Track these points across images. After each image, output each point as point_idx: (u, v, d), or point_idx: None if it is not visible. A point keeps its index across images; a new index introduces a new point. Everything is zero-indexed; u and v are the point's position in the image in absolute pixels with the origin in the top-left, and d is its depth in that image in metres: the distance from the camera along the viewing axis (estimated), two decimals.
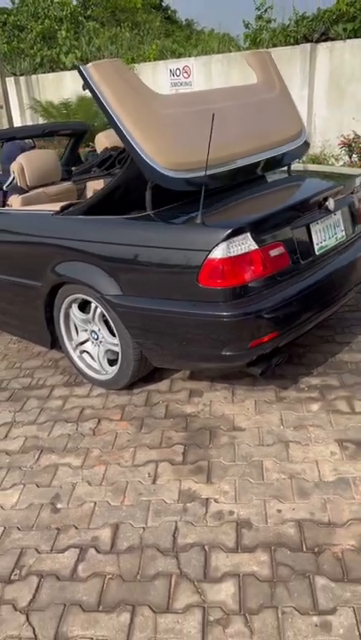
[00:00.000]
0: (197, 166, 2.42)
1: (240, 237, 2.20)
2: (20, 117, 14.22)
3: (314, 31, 8.09)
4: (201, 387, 2.80)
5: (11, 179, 3.25)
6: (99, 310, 2.69)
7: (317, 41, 8.20)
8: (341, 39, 8.03)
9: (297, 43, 8.53)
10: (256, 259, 2.25)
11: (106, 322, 2.75)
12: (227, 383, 2.80)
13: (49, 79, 13.46)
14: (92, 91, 2.32)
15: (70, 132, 4.33)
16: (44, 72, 13.80)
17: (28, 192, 3.27)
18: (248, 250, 2.22)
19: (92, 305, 2.71)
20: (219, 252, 2.17)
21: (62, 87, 12.85)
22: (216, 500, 2.04)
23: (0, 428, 2.66)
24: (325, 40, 8.17)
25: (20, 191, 3.25)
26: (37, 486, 2.22)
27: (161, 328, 2.41)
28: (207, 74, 9.89)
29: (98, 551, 1.87)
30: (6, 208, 3.14)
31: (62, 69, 13.34)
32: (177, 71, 10.46)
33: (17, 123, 13.77)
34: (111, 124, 2.33)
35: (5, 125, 13.37)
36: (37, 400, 2.86)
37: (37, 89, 13.79)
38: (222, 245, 2.17)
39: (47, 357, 3.33)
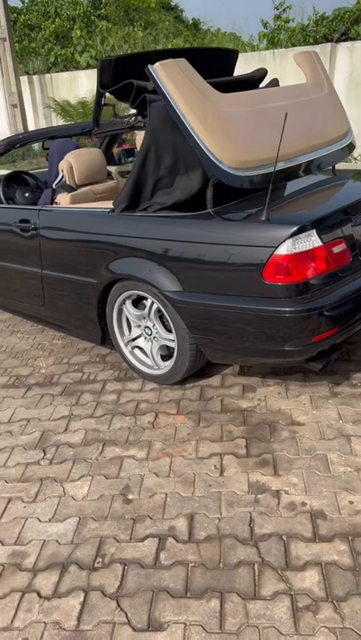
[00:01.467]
0: (260, 164, 2.46)
1: (305, 234, 2.24)
2: (34, 116, 14.29)
3: (334, 31, 8.11)
4: (253, 382, 2.85)
5: (60, 177, 3.29)
6: (155, 306, 2.73)
7: (337, 41, 8.23)
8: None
9: (316, 42, 8.56)
10: (320, 255, 2.29)
11: (160, 318, 2.79)
12: (278, 379, 2.85)
13: (63, 78, 13.52)
14: (158, 89, 2.37)
15: (107, 132, 4.36)
16: (58, 71, 13.87)
17: (76, 190, 3.31)
18: (313, 246, 2.26)
19: (148, 301, 2.76)
20: (284, 249, 2.22)
21: (77, 86, 12.92)
22: (287, 492, 2.08)
23: (59, 421, 2.70)
24: (345, 40, 8.19)
25: (69, 189, 3.29)
26: (106, 478, 2.27)
27: (223, 324, 2.45)
28: None
29: (177, 540, 1.91)
30: (58, 206, 3.18)
31: (76, 68, 13.41)
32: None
33: (30, 122, 13.84)
34: (177, 122, 2.37)
35: (20, 125, 13.44)
36: (92, 394, 2.91)
37: (51, 88, 13.85)
38: (288, 242, 2.21)
39: (94, 353, 3.37)
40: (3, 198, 3.78)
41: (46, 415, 2.77)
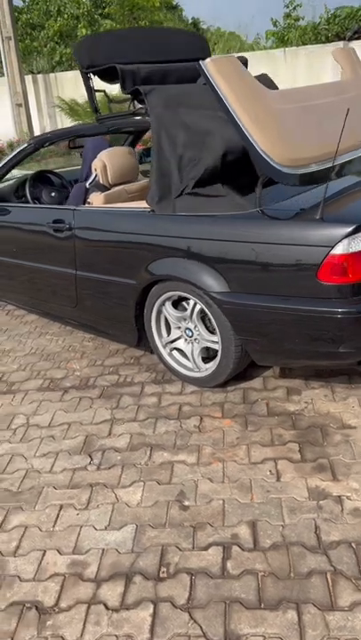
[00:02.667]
0: (309, 162, 2.41)
1: None
2: (38, 116, 14.22)
3: (347, 29, 8.08)
4: (296, 385, 2.80)
5: (93, 176, 3.24)
6: (198, 307, 2.68)
7: (350, 39, 8.19)
8: None
9: (328, 41, 8.52)
10: None
11: (202, 319, 2.74)
12: (322, 381, 2.80)
13: (68, 77, 13.46)
14: (210, 85, 2.31)
15: (131, 130, 4.32)
16: (63, 70, 13.80)
17: (109, 189, 3.25)
18: None
19: (191, 302, 2.70)
20: (341, 248, 2.17)
21: (82, 85, 12.83)
22: (349, 498, 2.03)
23: (101, 425, 2.65)
24: (358, 38, 8.16)
25: (102, 189, 3.24)
26: (158, 483, 2.21)
27: (273, 325, 2.40)
28: None
29: (242, 549, 1.86)
30: (95, 206, 3.12)
31: None
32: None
33: (34, 121, 13.77)
34: (229, 119, 2.32)
35: (24, 124, 13.37)
36: (131, 397, 2.85)
37: (56, 87, 13.79)
38: (345, 241, 2.16)
39: (127, 355, 3.32)
40: (29, 198, 3.73)
41: (87, 419, 2.71)
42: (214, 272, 2.49)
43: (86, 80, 3.01)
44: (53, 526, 2.06)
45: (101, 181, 3.24)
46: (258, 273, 2.38)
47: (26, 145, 3.49)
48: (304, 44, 9.00)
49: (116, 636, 1.61)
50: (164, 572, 1.81)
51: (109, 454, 2.43)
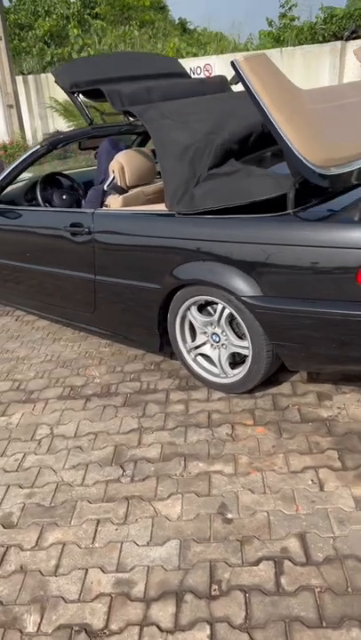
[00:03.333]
0: (343, 162, 2.35)
1: None
2: (29, 117, 14.06)
3: (344, 29, 8.07)
4: (326, 390, 2.74)
5: (111, 178, 3.15)
6: (226, 312, 2.61)
7: (347, 39, 8.19)
8: None
9: (325, 41, 8.51)
10: None
11: (230, 324, 2.68)
12: (353, 385, 2.75)
13: None
14: (244, 84, 2.25)
15: (141, 131, 4.24)
16: None
17: (127, 192, 3.17)
18: None
19: (219, 307, 2.64)
20: None
21: None
22: None
23: (129, 434, 2.58)
24: (355, 38, 8.16)
25: (120, 191, 3.16)
26: (197, 495, 2.14)
27: (309, 330, 2.34)
28: (230, 72, 9.79)
29: (294, 563, 1.80)
30: (116, 209, 3.03)
31: None
32: (197, 69, 10.40)
33: (26, 122, 13.61)
34: (263, 118, 2.25)
35: (16, 125, 13.21)
36: (157, 405, 2.78)
37: (47, 88, 13.63)
38: None
39: (146, 361, 3.24)
40: (41, 201, 3.64)
41: (114, 428, 2.64)
42: (246, 276, 2.43)
43: (74, 99, 3.24)
44: (92, 543, 1.98)
45: (119, 183, 3.16)
46: (293, 276, 2.32)
47: (39, 146, 3.40)
48: (300, 43, 8.98)
49: None
50: (215, 590, 1.74)
51: (142, 465, 2.36)
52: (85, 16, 15.66)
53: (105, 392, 2.96)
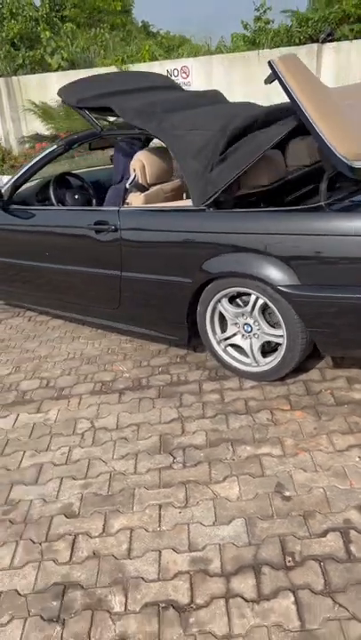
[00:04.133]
0: None
1: None
2: (1, 119, 13.88)
3: (320, 32, 8.32)
4: (354, 374, 2.87)
5: (132, 177, 3.21)
6: (260, 302, 2.71)
7: (323, 41, 8.43)
8: (348, 39, 8.30)
9: (301, 43, 8.74)
10: None
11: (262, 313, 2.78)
12: None
13: (31, 81, 13.18)
14: (280, 81, 2.36)
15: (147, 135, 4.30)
16: (26, 73, 13.52)
17: (147, 190, 3.24)
18: None
19: (252, 297, 2.73)
20: None
21: (47, 89, 12.59)
22: None
23: (171, 424, 2.64)
24: (331, 41, 8.41)
25: (142, 189, 3.22)
26: (252, 477, 2.23)
27: (346, 316, 2.46)
28: (207, 74, 9.96)
29: (359, 532, 1.91)
30: (142, 206, 3.09)
31: (46, 71, 13.11)
32: (175, 72, 10.50)
33: None
34: (298, 113, 2.37)
35: None
36: (192, 395, 2.85)
37: (19, 91, 13.49)
38: None
39: (171, 354, 3.31)
40: (54, 201, 3.67)
41: (154, 419, 2.70)
42: (281, 266, 2.53)
43: (82, 113, 3.28)
44: (159, 526, 2.04)
45: (140, 181, 3.22)
46: (328, 265, 2.44)
47: (56, 146, 3.43)
48: (276, 46, 9.19)
49: (265, 626, 1.62)
50: (290, 561, 1.83)
51: (191, 452, 2.43)
52: (54, 19, 15.56)
53: (137, 385, 3.02)
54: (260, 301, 2.71)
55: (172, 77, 10.60)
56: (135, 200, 3.19)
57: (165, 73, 10.80)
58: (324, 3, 11.42)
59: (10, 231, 3.62)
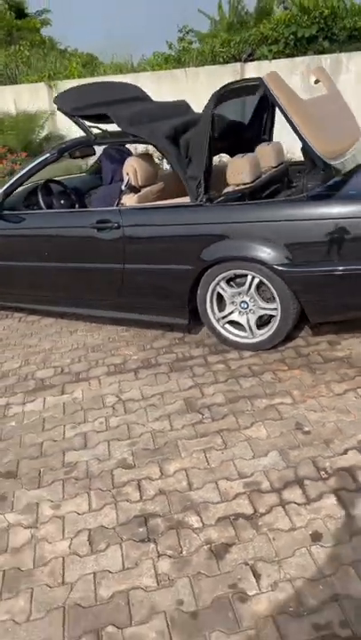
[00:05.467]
0: (338, 155, 3.05)
1: None
2: None
3: (242, 52, 9.08)
4: (333, 338, 3.40)
5: (127, 179, 3.57)
6: (256, 281, 3.17)
7: (245, 60, 9.21)
8: (267, 59, 9.12)
9: (226, 62, 9.47)
10: None
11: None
12: (352, 332, 3.43)
13: None
14: (270, 95, 2.86)
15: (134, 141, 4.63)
16: None
17: (139, 191, 3.62)
18: None
19: (248, 277, 3.18)
20: None
21: None
22: None
23: (191, 390, 3.02)
24: (252, 60, 9.20)
25: (135, 190, 3.60)
26: (274, 420, 2.67)
27: (333, 286, 2.97)
28: None
29: None
30: (139, 204, 3.46)
31: None
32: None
33: None
34: (288, 121, 2.87)
35: None
36: (201, 367, 3.25)
37: None
38: None
39: (170, 337, 3.69)
40: (43, 205, 3.95)
41: (174, 388, 3.07)
42: (276, 248, 3.01)
43: (76, 121, 3.61)
44: (208, 464, 2.42)
45: (133, 183, 3.60)
46: (315, 244, 2.94)
47: (48, 155, 3.72)
48: (202, 64, 9.87)
49: (320, 518, 2.06)
50: (324, 474, 2.28)
51: (215, 408, 2.83)
52: None
53: (147, 365, 3.37)
54: (256, 280, 3.17)
55: None
56: (129, 200, 3.56)
57: None
58: (225, 25, 12.43)
59: (7, 236, 3.85)
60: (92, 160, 5.27)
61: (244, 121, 3.92)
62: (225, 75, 9.44)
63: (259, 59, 9.34)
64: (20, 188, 4.07)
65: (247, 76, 9.35)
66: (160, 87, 10.37)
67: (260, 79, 2.90)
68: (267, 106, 3.80)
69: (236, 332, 3.38)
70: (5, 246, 3.90)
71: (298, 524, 2.04)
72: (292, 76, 8.99)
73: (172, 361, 3.38)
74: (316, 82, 3.28)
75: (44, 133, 10.80)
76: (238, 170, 3.29)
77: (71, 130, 11.63)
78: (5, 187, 3.82)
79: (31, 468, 2.54)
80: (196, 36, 12.05)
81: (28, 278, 3.94)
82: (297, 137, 2.90)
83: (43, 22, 16.79)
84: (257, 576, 1.85)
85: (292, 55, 9.05)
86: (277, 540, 1.99)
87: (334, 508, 2.10)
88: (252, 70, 9.30)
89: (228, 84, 3.38)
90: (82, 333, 3.93)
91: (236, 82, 3.63)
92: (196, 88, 9.81)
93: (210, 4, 19.56)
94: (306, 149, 2.90)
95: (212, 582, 1.85)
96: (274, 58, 9.07)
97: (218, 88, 3.26)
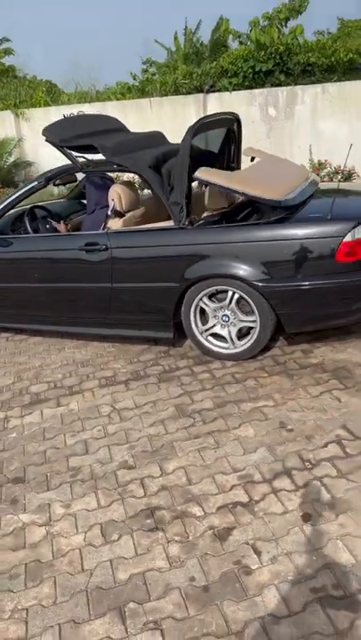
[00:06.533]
0: (289, 192, 3.42)
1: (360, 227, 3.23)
2: None
3: (204, 83, 9.58)
4: (306, 347, 3.72)
5: (112, 205, 3.83)
6: (236, 296, 3.46)
7: (207, 92, 9.72)
8: (227, 90, 9.65)
9: (188, 93, 9.96)
10: None
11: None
12: (323, 341, 3.76)
13: None
14: (210, 183, 3.28)
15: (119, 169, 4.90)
16: None
17: (124, 216, 3.88)
18: None
19: (229, 293, 3.47)
20: (349, 237, 3.17)
21: None
22: None
23: (180, 397, 3.26)
24: (213, 91, 9.72)
25: (119, 215, 3.86)
26: (259, 421, 2.94)
27: (307, 298, 3.29)
28: None
29: (348, 440, 2.69)
30: (125, 228, 3.72)
31: None
32: (71, 115, 11.19)
33: None
34: (233, 192, 3.30)
35: None
36: (188, 377, 3.50)
37: None
38: (351, 232, 3.17)
39: (155, 350, 3.93)
40: (30, 229, 4.17)
41: (165, 396, 3.30)
42: (253, 265, 3.32)
43: (64, 151, 3.85)
44: (204, 462, 2.66)
45: (117, 208, 3.86)
46: (292, 262, 3.26)
47: (36, 183, 3.96)
48: (165, 94, 10.33)
49: (308, 501, 2.32)
50: (308, 465, 2.55)
51: (205, 413, 3.07)
52: None
53: (136, 377, 3.59)
54: (236, 295, 3.46)
55: None
56: (114, 224, 3.82)
57: (62, 116, 11.46)
58: (182, 56, 13.03)
59: None
60: (68, 186, 5.53)
61: (214, 150, 4.27)
62: (188, 104, 9.94)
63: (219, 90, 9.87)
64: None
65: (209, 106, 9.88)
66: (126, 116, 10.75)
67: (231, 113, 3.24)
68: (233, 138, 4.18)
69: (218, 343, 3.66)
70: None
71: (290, 508, 2.30)
72: (251, 107, 9.56)
73: (159, 372, 3.61)
74: (253, 159, 4.04)
75: (11, 159, 11.00)
76: (214, 196, 3.62)
77: (38, 155, 11.88)
78: None
79: (38, 473, 2.72)
80: (154, 66, 12.59)
81: (19, 298, 4.11)
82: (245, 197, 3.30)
83: (6, 51, 17.05)
84: (258, 553, 2.09)
85: (250, 87, 9.61)
86: (273, 522, 2.23)
87: (320, 492, 2.36)
88: (214, 101, 9.82)
89: (202, 118, 3.73)
90: (70, 350, 4.12)
91: (209, 116, 3.98)
92: (160, 117, 10.27)
93: (167, 35, 20.38)
94: (256, 201, 3.28)
95: (219, 560, 2.08)
96: (234, 89, 9.61)
97: (193, 121, 3.61)
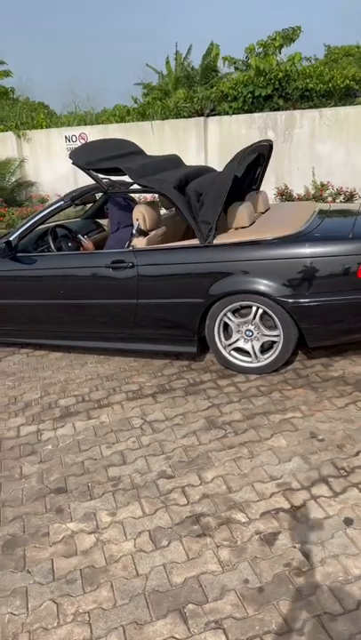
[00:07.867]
0: (301, 224, 3.59)
1: None
2: None
3: (205, 107, 9.85)
4: (326, 361, 3.85)
5: (137, 224, 3.96)
6: (260, 311, 3.59)
7: (208, 115, 9.98)
8: (228, 114, 9.93)
9: (189, 116, 10.22)
10: None
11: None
12: (341, 355, 3.89)
13: None
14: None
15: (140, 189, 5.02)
16: None
17: (148, 234, 4.01)
18: None
19: (253, 308, 3.60)
20: None
21: None
22: None
23: (208, 410, 3.35)
24: (214, 115, 9.98)
25: (143, 234, 3.98)
26: (290, 432, 3.04)
27: (329, 313, 3.42)
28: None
29: None
30: (150, 246, 3.84)
31: None
32: (73, 137, 11.42)
33: None
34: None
35: None
36: (214, 390, 3.60)
37: None
38: None
39: (177, 365, 4.03)
40: (54, 248, 4.28)
41: (193, 409, 3.39)
42: (278, 281, 3.45)
43: (89, 173, 4.00)
44: (241, 471, 2.75)
45: (142, 227, 3.99)
46: (315, 279, 3.40)
47: (62, 202, 4.08)
48: (166, 118, 10.59)
49: (348, 507, 2.42)
50: (343, 471, 2.66)
51: (236, 424, 3.17)
52: None
53: (163, 390, 3.69)
54: (260, 311, 3.59)
55: (71, 142, 11.51)
56: (139, 243, 3.95)
57: (64, 139, 11.70)
58: (173, 80, 13.38)
59: (23, 277, 4.13)
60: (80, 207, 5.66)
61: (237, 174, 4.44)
62: (189, 128, 10.20)
63: (220, 114, 10.15)
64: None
65: (210, 128, 10.13)
66: (128, 138, 10.96)
67: (267, 140, 3.41)
68: (262, 161, 4.35)
69: (241, 357, 3.77)
70: (20, 286, 4.17)
71: (331, 513, 2.39)
72: (251, 129, 9.84)
73: (185, 386, 3.71)
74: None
75: (14, 179, 11.15)
76: (239, 215, 3.77)
77: (39, 176, 12.05)
78: (20, 231, 4.13)
79: (79, 483, 2.78)
80: (145, 88, 12.88)
81: (44, 315, 4.20)
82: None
83: (5, 73, 17.34)
84: (306, 555, 2.18)
85: (250, 111, 9.91)
86: (316, 526, 2.32)
87: (359, 497, 2.46)
88: (215, 124, 10.09)
89: (246, 148, 3.90)
90: (92, 365, 4.20)
91: (250, 145, 4.14)
92: (162, 140, 10.51)
93: (159, 60, 20.88)
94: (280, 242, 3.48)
95: (269, 563, 2.16)
96: (234, 113, 9.89)
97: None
